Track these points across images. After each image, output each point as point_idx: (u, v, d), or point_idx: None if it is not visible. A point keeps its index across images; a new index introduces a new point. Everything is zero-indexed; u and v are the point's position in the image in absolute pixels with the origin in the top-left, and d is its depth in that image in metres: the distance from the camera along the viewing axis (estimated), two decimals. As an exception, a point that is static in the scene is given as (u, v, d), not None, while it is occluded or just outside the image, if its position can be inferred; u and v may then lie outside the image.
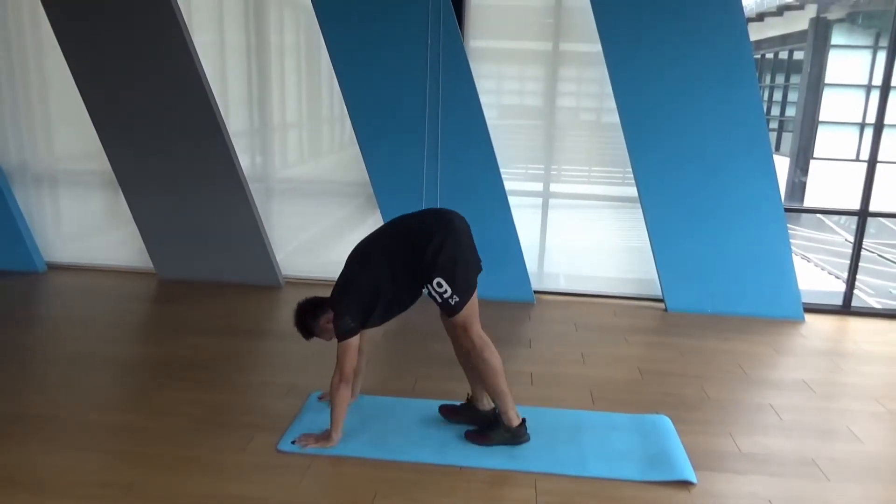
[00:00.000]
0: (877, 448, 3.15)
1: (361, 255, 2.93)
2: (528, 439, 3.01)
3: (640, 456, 2.94)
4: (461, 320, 2.88)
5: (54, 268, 5.54)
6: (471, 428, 3.08)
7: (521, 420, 3.01)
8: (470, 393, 3.17)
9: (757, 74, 4.64)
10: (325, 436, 2.94)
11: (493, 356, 2.93)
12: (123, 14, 4.61)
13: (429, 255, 2.77)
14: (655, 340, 4.50)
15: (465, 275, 2.86)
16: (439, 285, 2.79)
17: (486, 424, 3.05)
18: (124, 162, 5.07)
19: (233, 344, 4.13)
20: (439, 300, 2.84)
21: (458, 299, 2.82)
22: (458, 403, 3.24)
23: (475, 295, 2.92)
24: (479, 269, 3.00)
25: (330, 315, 2.89)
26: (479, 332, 2.93)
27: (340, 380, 2.86)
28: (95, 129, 4.97)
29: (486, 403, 3.14)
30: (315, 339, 3.02)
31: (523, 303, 5.07)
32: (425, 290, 2.85)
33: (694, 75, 4.59)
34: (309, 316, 2.96)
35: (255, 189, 5.16)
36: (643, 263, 5.17)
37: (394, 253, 2.86)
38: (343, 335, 2.83)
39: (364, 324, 2.87)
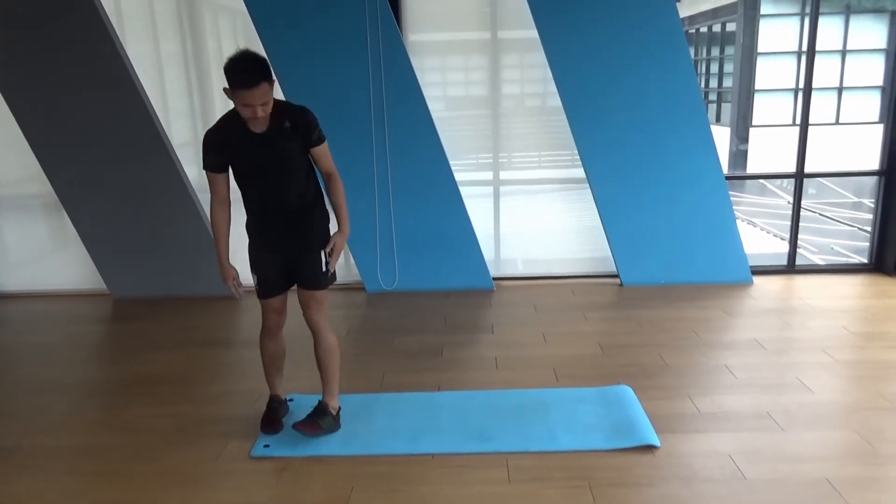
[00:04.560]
0: (827, 396, 3.32)
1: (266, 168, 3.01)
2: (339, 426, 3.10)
3: (605, 426, 3.04)
4: (324, 295, 3.00)
5: (3, 297, 5.38)
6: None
7: (339, 406, 3.12)
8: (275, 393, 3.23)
9: (691, 49, 4.78)
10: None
11: (335, 338, 3.07)
12: (50, 28, 4.48)
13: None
14: (613, 315, 4.63)
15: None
16: (329, 254, 2.94)
17: (314, 413, 3.06)
18: (65, 182, 4.95)
19: (196, 356, 4.10)
20: (323, 268, 2.94)
21: (333, 272, 3.00)
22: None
23: None
24: None
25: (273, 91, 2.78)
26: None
27: (215, 201, 2.93)
28: (32, 150, 4.83)
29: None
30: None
31: (483, 290, 5.14)
32: (322, 254, 2.94)
33: (629, 55, 4.71)
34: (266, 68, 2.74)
35: (204, 200, 5.09)
36: (597, 242, 5.29)
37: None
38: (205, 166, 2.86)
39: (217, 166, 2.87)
